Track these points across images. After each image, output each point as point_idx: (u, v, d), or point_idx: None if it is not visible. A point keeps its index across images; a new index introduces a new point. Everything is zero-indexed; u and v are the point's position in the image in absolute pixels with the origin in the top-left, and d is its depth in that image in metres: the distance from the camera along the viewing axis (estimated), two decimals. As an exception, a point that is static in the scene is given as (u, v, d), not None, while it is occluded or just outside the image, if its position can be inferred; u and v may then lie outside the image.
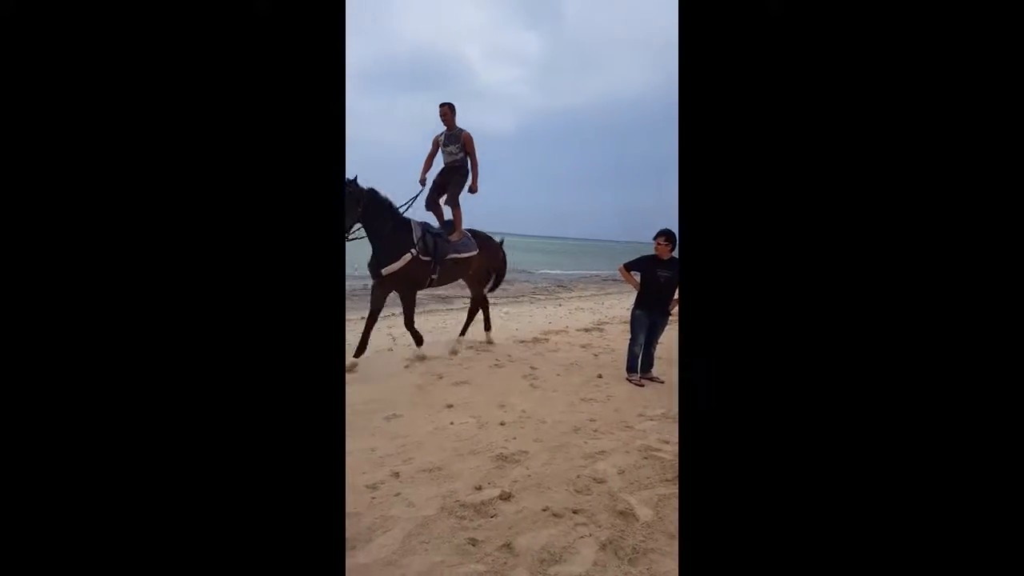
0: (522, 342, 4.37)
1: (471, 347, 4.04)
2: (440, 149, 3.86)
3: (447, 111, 3.79)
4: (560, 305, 7.40)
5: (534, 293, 9.38)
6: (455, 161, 3.82)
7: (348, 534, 1.49)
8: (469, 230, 3.99)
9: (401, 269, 3.46)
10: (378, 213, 3.40)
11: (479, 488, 1.78)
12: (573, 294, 9.50)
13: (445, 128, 3.83)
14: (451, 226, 3.87)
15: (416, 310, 3.76)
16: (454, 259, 3.78)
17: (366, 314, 3.60)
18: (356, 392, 2.87)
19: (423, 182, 3.83)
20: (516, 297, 8.54)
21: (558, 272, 15.36)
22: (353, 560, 1.38)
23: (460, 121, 3.78)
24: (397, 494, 1.73)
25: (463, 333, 4.29)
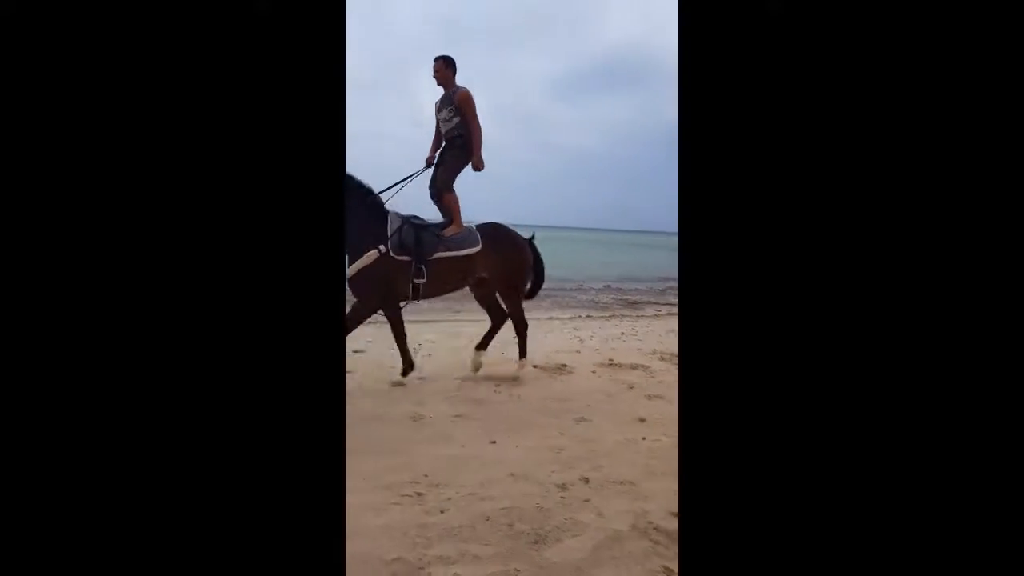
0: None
1: (664, 359, 3.80)
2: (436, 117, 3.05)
3: (441, 67, 2.94)
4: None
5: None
6: (451, 131, 2.95)
7: (536, 527, 1.51)
8: (485, 223, 3.09)
9: (364, 271, 2.67)
10: (349, 200, 2.61)
11: (675, 514, 1.62)
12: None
13: (443, 91, 2.98)
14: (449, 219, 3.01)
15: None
16: (445, 258, 2.84)
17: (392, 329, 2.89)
18: (546, 388, 2.95)
19: (430, 162, 3.07)
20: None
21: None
22: (539, 554, 1.39)
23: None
24: (587, 500, 1.69)
25: (482, 347, 3.15)
